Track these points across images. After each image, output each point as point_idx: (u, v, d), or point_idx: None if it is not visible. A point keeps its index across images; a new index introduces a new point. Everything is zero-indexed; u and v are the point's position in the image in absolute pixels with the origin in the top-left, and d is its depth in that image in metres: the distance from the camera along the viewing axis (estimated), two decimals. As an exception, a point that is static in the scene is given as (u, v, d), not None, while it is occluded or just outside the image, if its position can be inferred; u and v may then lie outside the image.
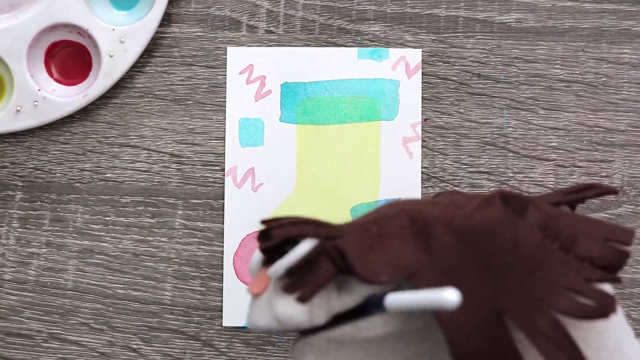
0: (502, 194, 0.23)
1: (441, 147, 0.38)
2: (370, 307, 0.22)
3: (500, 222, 0.22)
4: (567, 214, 0.23)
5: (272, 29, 0.39)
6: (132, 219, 0.38)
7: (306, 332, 0.23)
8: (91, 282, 0.38)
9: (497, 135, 0.38)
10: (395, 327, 0.22)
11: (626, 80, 0.38)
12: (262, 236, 0.24)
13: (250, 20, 0.39)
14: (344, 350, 0.23)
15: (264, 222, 0.24)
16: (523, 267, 0.21)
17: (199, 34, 0.39)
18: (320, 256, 0.22)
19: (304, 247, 0.22)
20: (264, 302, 0.23)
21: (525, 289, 0.21)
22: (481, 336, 0.20)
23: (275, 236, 0.23)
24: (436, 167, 0.38)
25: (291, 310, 0.22)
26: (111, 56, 0.37)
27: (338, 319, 0.23)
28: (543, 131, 0.38)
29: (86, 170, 0.39)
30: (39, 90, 0.38)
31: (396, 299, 0.21)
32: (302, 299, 0.22)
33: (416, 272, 0.22)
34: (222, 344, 0.38)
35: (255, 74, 0.38)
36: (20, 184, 0.39)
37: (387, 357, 0.23)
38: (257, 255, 0.24)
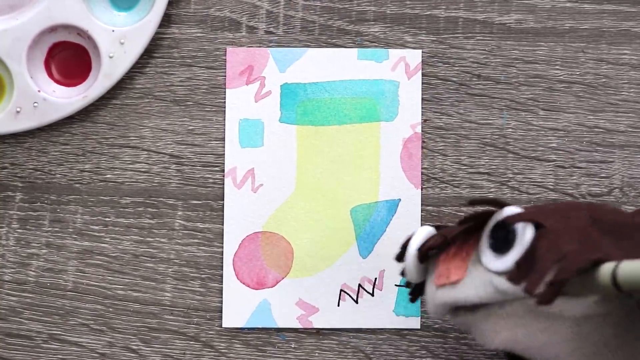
0: None
1: (441, 147, 0.38)
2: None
3: None
4: None
5: (271, 29, 0.39)
6: (131, 219, 0.38)
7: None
8: (91, 283, 0.38)
9: (497, 136, 0.38)
10: (604, 309, 0.24)
11: (626, 81, 0.38)
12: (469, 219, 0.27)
13: (250, 21, 0.39)
14: (545, 322, 0.25)
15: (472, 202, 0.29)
16: None
17: (198, 34, 0.39)
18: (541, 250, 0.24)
19: (528, 236, 0.25)
20: (477, 281, 0.26)
21: None
22: None
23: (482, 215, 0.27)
24: (436, 168, 0.38)
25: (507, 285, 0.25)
26: (111, 57, 0.37)
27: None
28: (543, 132, 0.38)
29: (86, 171, 0.39)
30: (39, 91, 0.38)
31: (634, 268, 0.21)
32: (545, 300, 0.23)
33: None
34: (222, 345, 0.38)
35: (254, 74, 0.38)
36: (20, 185, 0.39)
37: (590, 334, 0.25)
38: (414, 248, 0.28)
